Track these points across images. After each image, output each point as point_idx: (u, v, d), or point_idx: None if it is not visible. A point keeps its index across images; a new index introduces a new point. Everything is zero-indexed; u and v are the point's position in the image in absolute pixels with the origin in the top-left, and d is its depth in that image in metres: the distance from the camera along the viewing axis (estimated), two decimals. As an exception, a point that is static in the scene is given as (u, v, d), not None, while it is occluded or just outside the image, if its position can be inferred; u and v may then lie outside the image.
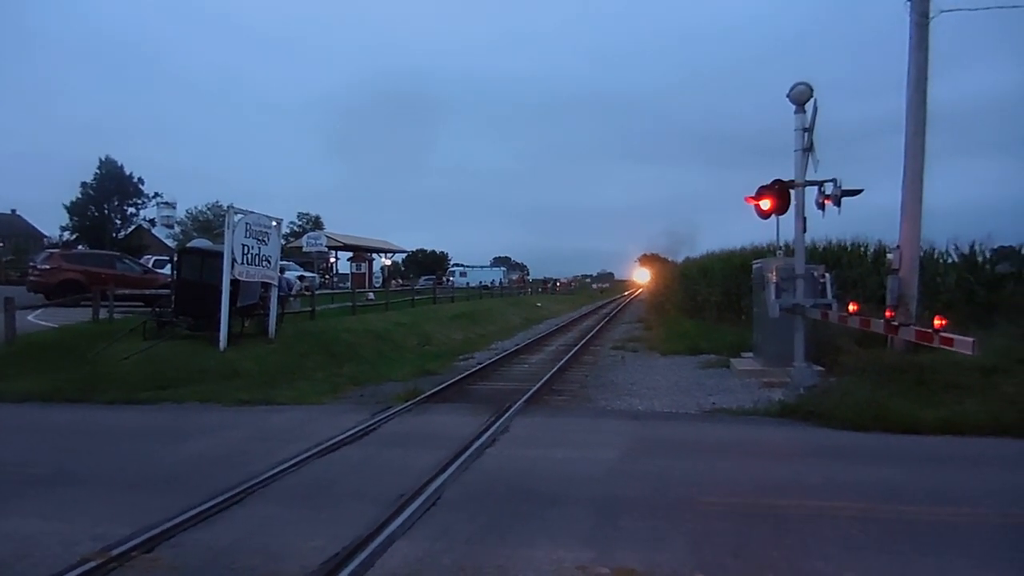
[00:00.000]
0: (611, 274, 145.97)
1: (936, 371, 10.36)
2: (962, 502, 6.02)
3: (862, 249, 19.03)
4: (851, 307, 10.73)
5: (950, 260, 16.96)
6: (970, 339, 7.95)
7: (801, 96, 11.69)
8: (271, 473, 6.76)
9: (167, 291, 18.57)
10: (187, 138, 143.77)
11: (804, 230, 12.04)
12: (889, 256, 12.74)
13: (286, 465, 7.06)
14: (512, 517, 5.66)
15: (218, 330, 14.41)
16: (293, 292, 22.04)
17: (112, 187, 60.30)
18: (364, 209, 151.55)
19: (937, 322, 8.45)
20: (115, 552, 4.81)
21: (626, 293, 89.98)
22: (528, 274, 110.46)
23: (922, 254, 14.71)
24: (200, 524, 5.44)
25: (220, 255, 14.72)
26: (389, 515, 5.54)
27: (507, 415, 9.68)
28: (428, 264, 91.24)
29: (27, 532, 5.28)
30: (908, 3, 12.85)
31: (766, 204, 11.87)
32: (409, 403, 10.71)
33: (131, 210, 63.29)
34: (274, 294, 16.49)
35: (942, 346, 8.44)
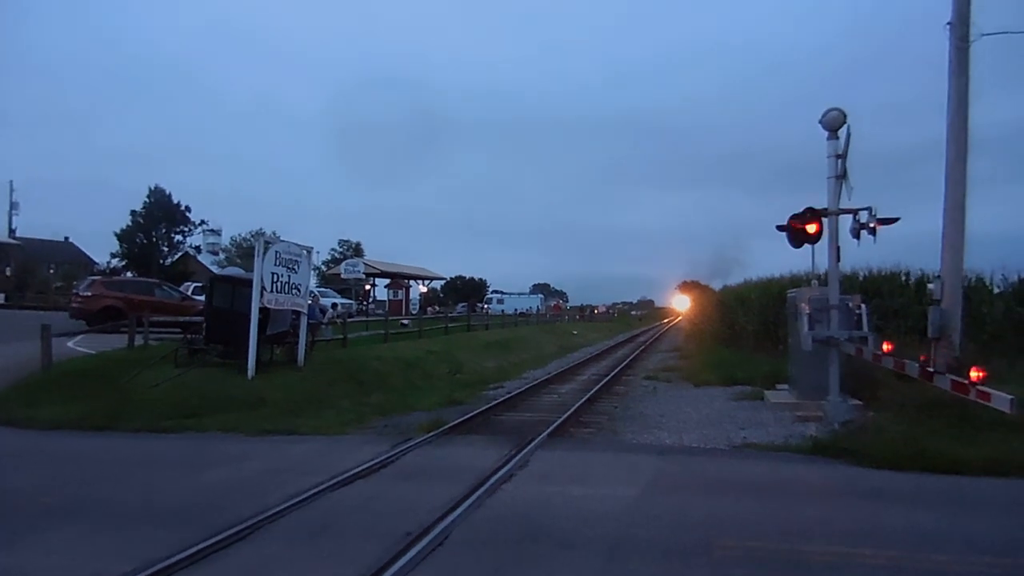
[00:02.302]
0: (651, 301, 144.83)
1: (981, 405, 9.83)
2: (1002, 552, 5.63)
3: (903, 277, 18.40)
4: (885, 346, 10.29)
5: (998, 290, 16.32)
6: (1008, 397, 7.48)
7: (834, 122, 11.39)
8: (281, 508, 6.66)
9: (202, 318, 18.83)
10: (233, 165, 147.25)
11: (838, 259, 11.67)
12: (930, 286, 12.26)
13: (297, 500, 6.95)
14: (520, 559, 5.46)
15: (248, 358, 14.51)
16: (326, 320, 22.19)
17: (160, 215, 61.97)
18: (404, 235, 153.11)
19: (975, 374, 7.99)
20: (110, 590, 4.74)
21: (665, 321, 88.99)
22: (567, 301, 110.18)
23: (967, 283, 14.20)
24: (200, 562, 5.35)
25: (251, 283, 14.86)
26: (393, 555, 5.40)
27: (528, 448, 9.49)
28: (467, 291, 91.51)
29: (29, 567, 5.27)
30: (947, 27, 12.52)
31: (798, 233, 11.55)
32: (431, 434, 10.57)
33: (178, 237, 64.96)
34: (304, 322, 16.59)
35: (979, 400, 7.98)
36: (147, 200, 61.91)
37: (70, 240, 75.70)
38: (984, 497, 7.45)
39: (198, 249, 71.48)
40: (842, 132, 11.47)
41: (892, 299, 17.17)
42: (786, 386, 15.13)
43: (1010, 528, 6.34)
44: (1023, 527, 6.39)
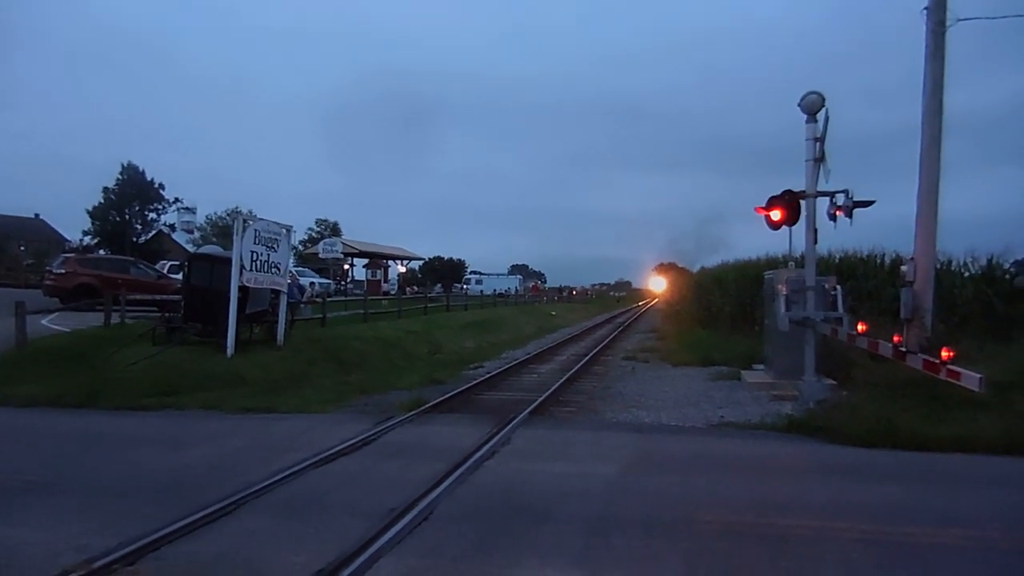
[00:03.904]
0: (628, 283, 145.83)
1: (950, 385, 10.09)
2: (970, 524, 5.81)
3: (878, 260, 18.70)
4: (860, 327, 10.50)
5: (968, 272, 16.63)
6: (977, 375, 7.70)
7: (812, 105, 11.51)
8: (264, 484, 6.68)
9: (180, 296, 18.64)
10: (206, 142, 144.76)
11: (815, 241, 11.84)
12: (903, 268, 12.49)
13: (280, 476, 6.98)
14: (503, 534, 5.54)
15: (226, 336, 14.42)
16: (305, 298, 22.07)
17: (133, 192, 61.17)
18: (382, 215, 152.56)
19: (944, 354, 8.20)
20: (97, 564, 4.74)
21: (642, 302, 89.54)
22: (545, 282, 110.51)
23: (938, 266, 14.44)
24: (186, 536, 5.37)
25: (230, 261, 14.75)
26: (378, 530, 5.45)
27: (509, 427, 9.57)
28: (445, 272, 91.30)
29: (12, 542, 5.23)
30: (924, 11, 12.66)
31: (776, 215, 11.69)
32: (412, 413, 10.62)
33: (152, 215, 64.20)
34: (283, 301, 16.50)
35: (949, 379, 8.20)
36: (120, 177, 61.06)
37: (40, 217, 74.34)
38: (953, 473, 7.67)
39: (172, 227, 70.44)
40: (820, 115, 11.59)
41: (866, 281, 17.45)
42: (762, 366, 15.38)
43: (978, 502, 6.55)
44: (990, 500, 6.59)
